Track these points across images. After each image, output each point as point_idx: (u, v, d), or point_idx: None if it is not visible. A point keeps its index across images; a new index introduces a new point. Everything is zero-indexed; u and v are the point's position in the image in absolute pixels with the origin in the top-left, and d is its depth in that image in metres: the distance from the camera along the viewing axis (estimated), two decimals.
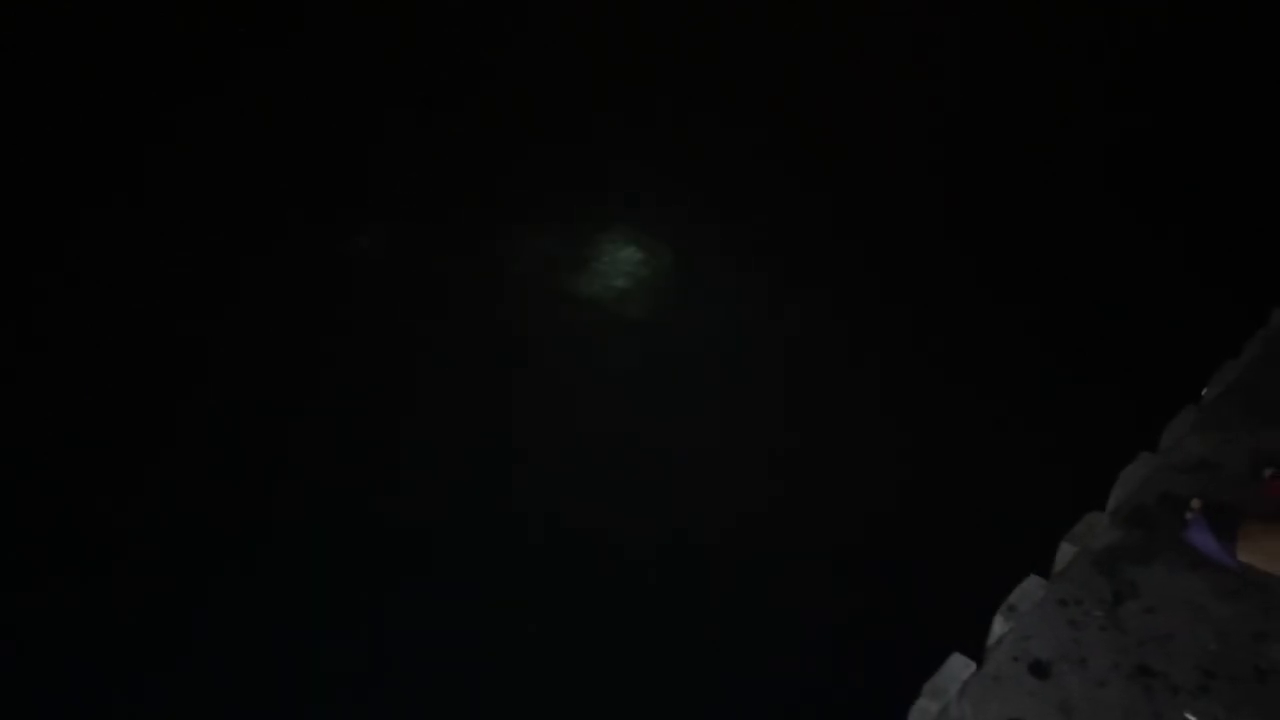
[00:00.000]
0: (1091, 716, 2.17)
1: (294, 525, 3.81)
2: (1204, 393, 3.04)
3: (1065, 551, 2.56)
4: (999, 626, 2.39)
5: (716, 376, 4.51)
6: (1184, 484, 2.67)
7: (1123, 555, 2.50)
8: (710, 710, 3.20)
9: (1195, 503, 2.55)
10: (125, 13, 7.25)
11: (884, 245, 5.20)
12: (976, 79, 6.60)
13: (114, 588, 3.60)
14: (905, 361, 4.36)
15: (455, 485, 3.97)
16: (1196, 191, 5.18)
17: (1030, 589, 2.46)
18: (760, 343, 4.68)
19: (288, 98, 6.51)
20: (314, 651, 3.37)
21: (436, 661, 3.34)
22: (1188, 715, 2.16)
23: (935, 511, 3.56)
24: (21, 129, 6.18)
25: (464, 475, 4.01)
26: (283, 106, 6.43)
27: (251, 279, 5.08)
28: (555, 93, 6.55)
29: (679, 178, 5.82)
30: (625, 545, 3.67)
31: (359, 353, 4.65)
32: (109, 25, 7.16)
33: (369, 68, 6.82)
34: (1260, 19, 6.61)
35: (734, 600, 3.45)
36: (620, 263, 5.29)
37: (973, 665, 2.29)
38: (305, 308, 4.91)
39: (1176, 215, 5.01)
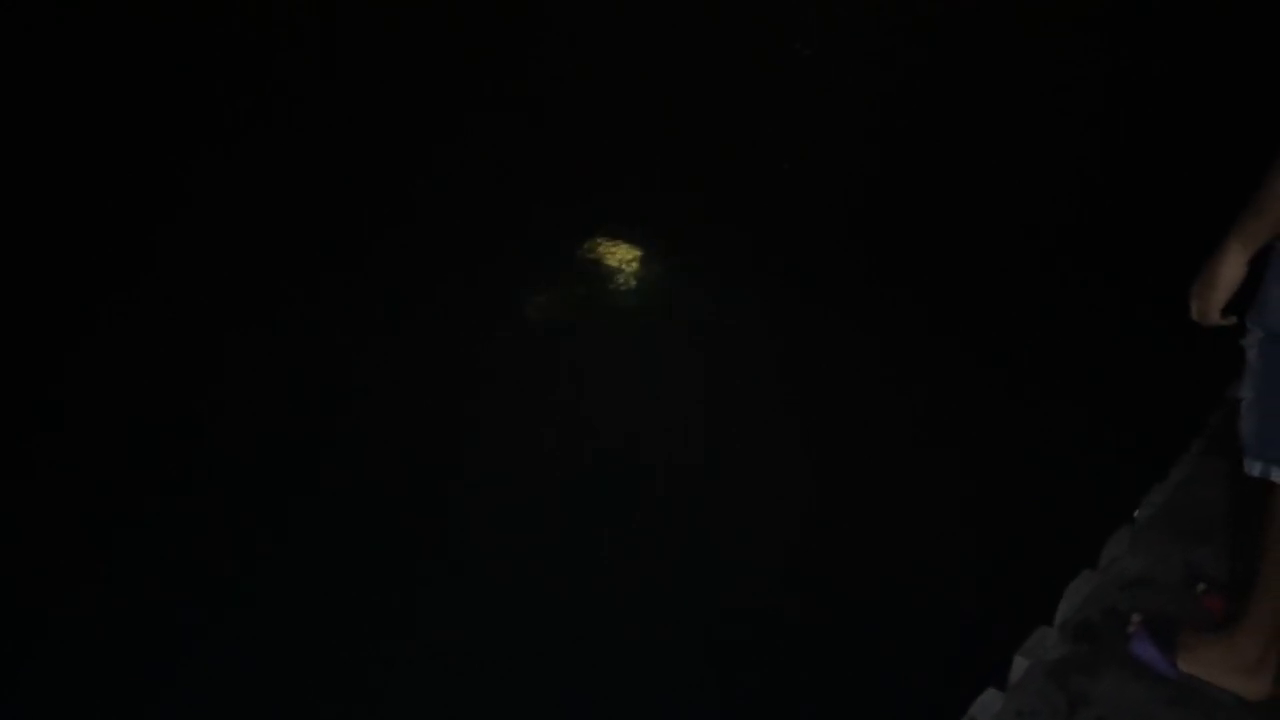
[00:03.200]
0: None
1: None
2: (1137, 514, 3.24)
3: (1019, 665, 2.70)
4: None
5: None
6: (1124, 599, 2.84)
7: (1073, 667, 2.64)
8: None
9: (1135, 617, 2.72)
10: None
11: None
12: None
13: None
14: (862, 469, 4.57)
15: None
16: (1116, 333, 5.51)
17: (989, 701, 2.58)
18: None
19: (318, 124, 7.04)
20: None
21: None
22: None
23: (894, 625, 3.68)
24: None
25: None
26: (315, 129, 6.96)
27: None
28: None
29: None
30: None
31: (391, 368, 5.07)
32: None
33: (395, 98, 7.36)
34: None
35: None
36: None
37: None
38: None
39: (1110, 340, 5.31)
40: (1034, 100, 7.65)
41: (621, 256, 6.05)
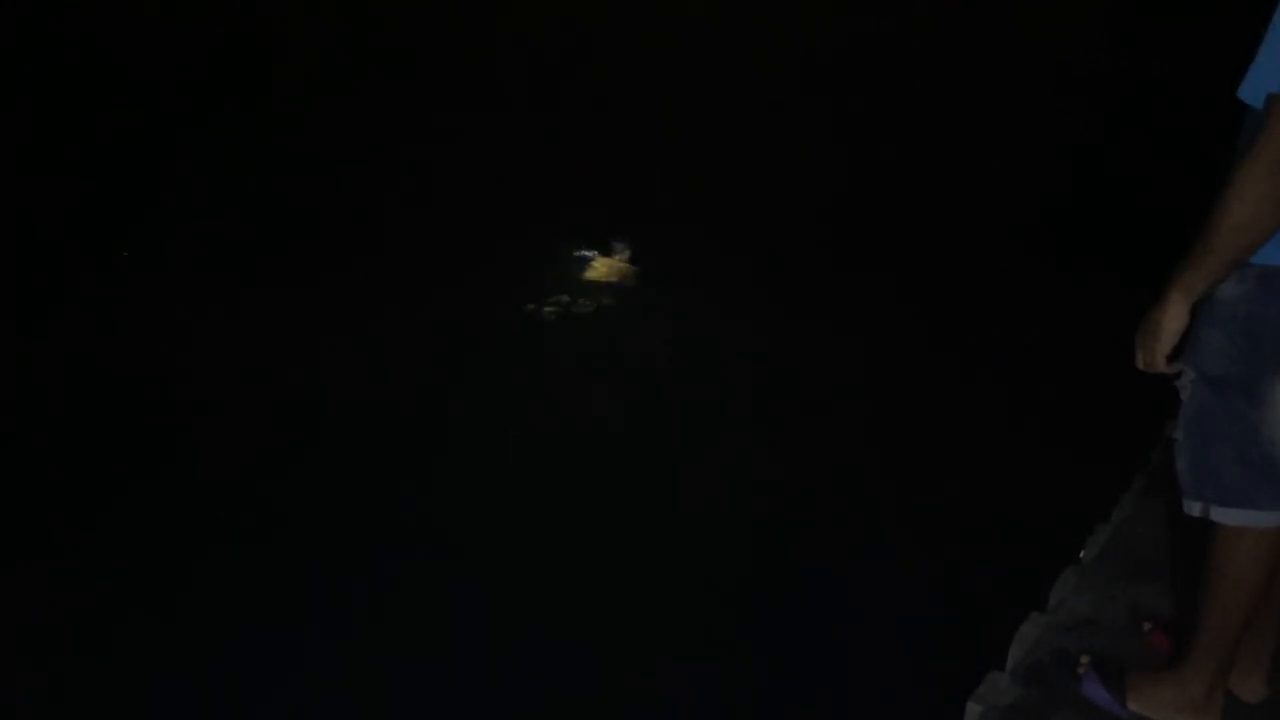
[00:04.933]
0: None
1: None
2: (1081, 554, 3.27)
3: (972, 711, 2.69)
4: None
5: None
6: (1072, 641, 2.85)
7: (1025, 712, 2.64)
8: None
9: (1084, 658, 2.72)
10: None
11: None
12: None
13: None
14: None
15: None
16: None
17: None
18: None
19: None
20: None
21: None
22: None
23: (850, 674, 3.68)
24: None
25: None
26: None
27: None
28: None
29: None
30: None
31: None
32: None
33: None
34: None
35: None
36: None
37: None
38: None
39: (1039, 384, 5.40)
40: (1033, 100, 7.82)
41: (621, 255, 6.16)
